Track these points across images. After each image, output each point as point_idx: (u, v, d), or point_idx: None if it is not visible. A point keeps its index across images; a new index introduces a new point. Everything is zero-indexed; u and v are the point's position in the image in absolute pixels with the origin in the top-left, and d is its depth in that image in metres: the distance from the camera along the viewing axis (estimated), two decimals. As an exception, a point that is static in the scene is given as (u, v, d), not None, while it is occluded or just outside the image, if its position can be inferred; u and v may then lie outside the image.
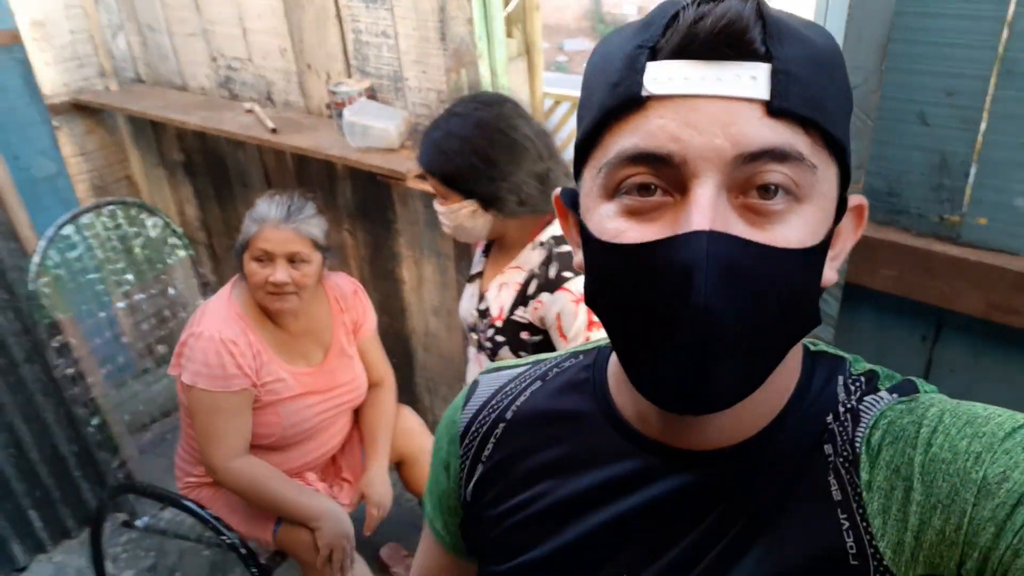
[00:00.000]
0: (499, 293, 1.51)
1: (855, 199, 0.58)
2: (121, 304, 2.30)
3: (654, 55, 0.50)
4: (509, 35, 2.60)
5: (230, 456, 1.75)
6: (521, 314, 1.44)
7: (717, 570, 0.58)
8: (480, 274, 1.62)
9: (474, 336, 1.61)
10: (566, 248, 1.42)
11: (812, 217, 0.51)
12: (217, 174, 2.82)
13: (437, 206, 1.49)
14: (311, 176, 2.49)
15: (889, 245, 1.36)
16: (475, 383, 0.77)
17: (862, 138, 1.21)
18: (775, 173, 0.49)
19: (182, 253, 2.30)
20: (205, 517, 1.81)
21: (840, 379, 0.61)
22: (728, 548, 0.58)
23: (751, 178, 0.49)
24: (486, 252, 1.64)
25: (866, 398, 0.59)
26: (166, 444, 2.63)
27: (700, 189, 0.48)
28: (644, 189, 0.51)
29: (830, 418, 0.59)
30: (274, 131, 2.24)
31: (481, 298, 1.56)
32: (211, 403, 1.72)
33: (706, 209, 0.48)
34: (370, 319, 2.02)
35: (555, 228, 1.48)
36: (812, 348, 0.65)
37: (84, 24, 2.73)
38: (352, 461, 2.05)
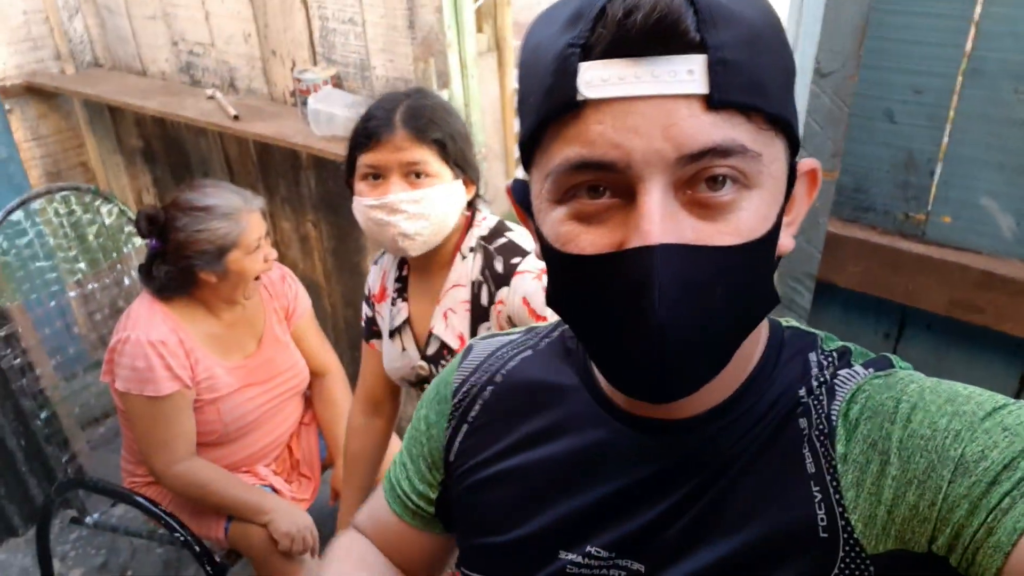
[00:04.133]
0: (448, 323, 1.34)
1: (806, 163, 0.58)
2: (73, 293, 2.22)
3: (586, 55, 0.48)
4: (479, 30, 2.58)
5: (172, 461, 1.71)
6: (487, 328, 1.32)
7: (688, 540, 0.58)
8: (405, 323, 1.42)
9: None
10: (500, 241, 1.32)
11: (762, 202, 0.51)
12: (177, 161, 2.75)
13: (398, 194, 1.24)
14: (274, 165, 2.43)
15: (855, 242, 1.37)
16: (469, 347, 0.78)
17: (838, 124, 1.21)
18: (720, 167, 0.48)
19: (139, 241, 2.23)
20: (158, 514, 1.75)
21: (812, 355, 0.61)
22: (699, 518, 0.58)
23: (698, 174, 0.49)
24: (402, 296, 1.44)
25: (840, 372, 0.59)
26: (120, 439, 2.55)
27: (647, 196, 0.48)
28: (593, 190, 0.51)
29: (803, 392, 0.59)
30: (236, 118, 2.18)
31: (427, 342, 1.38)
32: (147, 409, 1.67)
33: (654, 219, 0.48)
34: (302, 304, 1.98)
35: (478, 230, 1.35)
36: (784, 324, 0.65)
37: (39, 5, 2.64)
38: (309, 455, 2.01)
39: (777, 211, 0.52)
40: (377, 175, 1.26)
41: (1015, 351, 1.31)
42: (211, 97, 2.36)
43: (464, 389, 0.74)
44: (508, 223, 1.37)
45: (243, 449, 1.86)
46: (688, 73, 0.46)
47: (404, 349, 1.42)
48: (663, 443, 0.61)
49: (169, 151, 2.75)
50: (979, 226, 1.28)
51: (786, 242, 0.56)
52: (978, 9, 1.16)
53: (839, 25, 1.19)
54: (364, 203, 1.27)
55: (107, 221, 2.19)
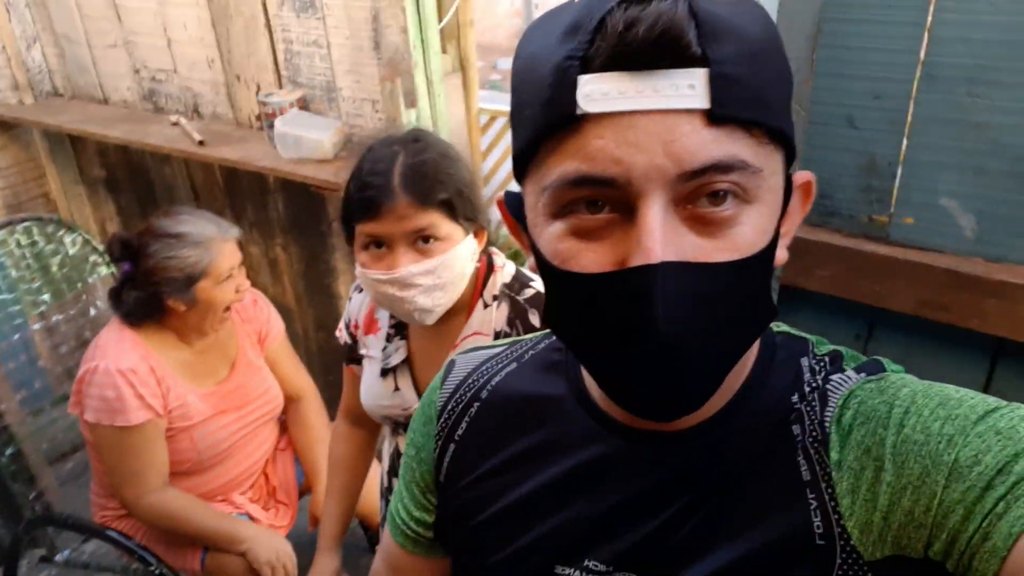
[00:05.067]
0: None
1: (801, 176, 0.58)
2: (37, 326, 2.18)
3: (585, 67, 0.47)
4: (443, 51, 2.60)
5: (144, 492, 1.67)
6: None
7: (686, 552, 0.58)
8: (404, 363, 1.32)
9: None
10: (528, 292, 1.27)
11: (761, 216, 0.50)
12: (142, 190, 2.72)
13: (408, 268, 1.13)
14: (241, 190, 2.41)
15: (822, 246, 1.39)
16: (452, 363, 0.77)
17: (797, 129, 1.23)
18: (722, 183, 0.48)
19: (104, 270, 2.20)
20: (131, 547, 1.71)
21: (804, 360, 0.61)
22: (697, 529, 0.58)
23: (698, 189, 0.48)
24: (400, 334, 1.33)
25: (832, 378, 0.59)
26: (89, 474, 2.49)
27: (648, 212, 0.47)
28: (592, 205, 0.50)
29: (796, 398, 0.58)
30: (202, 143, 2.17)
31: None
32: (117, 440, 1.63)
33: (656, 236, 0.47)
34: (275, 328, 1.95)
35: (500, 277, 1.28)
36: (775, 329, 0.64)
37: (-5, 35, 2.60)
38: (286, 481, 1.98)
39: (775, 224, 0.52)
40: (380, 243, 1.15)
41: (982, 347, 1.34)
42: (175, 123, 2.34)
43: (449, 408, 0.73)
44: (524, 271, 1.31)
45: (218, 477, 1.83)
46: (689, 87, 0.46)
47: (397, 389, 1.32)
48: (659, 455, 0.60)
49: (133, 180, 2.72)
50: (941, 226, 1.31)
51: (780, 254, 0.55)
52: (930, 17, 1.20)
53: (792, 32, 1.22)
54: (372, 277, 1.15)
55: (71, 251, 2.16)
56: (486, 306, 1.26)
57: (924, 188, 1.30)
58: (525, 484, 0.65)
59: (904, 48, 1.24)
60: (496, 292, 1.27)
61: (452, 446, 0.71)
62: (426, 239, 1.14)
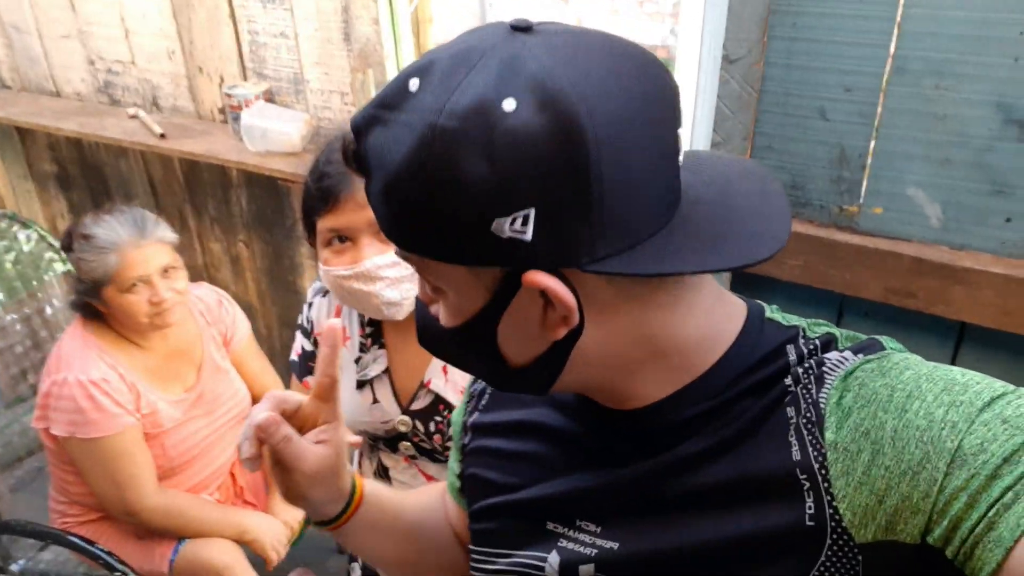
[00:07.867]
0: (449, 377, 1.20)
1: (531, 278, 0.51)
2: (-11, 325, 2.09)
3: None
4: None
5: (146, 495, 1.65)
6: None
7: (674, 524, 0.59)
8: (385, 372, 1.26)
9: (407, 444, 1.28)
10: None
11: (448, 304, 0.58)
12: (96, 186, 2.63)
13: (373, 259, 1.09)
14: (202, 185, 2.36)
15: (794, 236, 1.41)
16: None
17: (748, 109, 1.29)
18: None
19: (61, 267, 2.12)
20: (96, 552, 1.65)
21: (791, 347, 0.60)
22: (685, 504, 0.59)
23: None
24: (378, 343, 1.27)
25: (828, 357, 0.58)
26: (43, 479, 2.39)
27: None
28: None
29: (788, 380, 0.58)
30: (163, 136, 2.11)
31: (414, 396, 1.23)
32: (102, 450, 1.59)
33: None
34: (241, 329, 1.90)
35: None
36: (767, 315, 0.64)
37: (-62, 24, 2.50)
38: (253, 481, 1.95)
39: (470, 315, 0.56)
40: (344, 238, 1.11)
41: (946, 333, 1.39)
42: (134, 116, 2.27)
43: (478, 382, 0.82)
44: None
45: (187, 480, 1.79)
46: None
47: (376, 402, 1.26)
48: (630, 430, 0.62)
49: (87, 175, 2.63)
50: (908, 215, 1.36)
51: (512, 352, 0.57)
52: (900, 11, 1.24)
53: (744, 14, 1.28)
54: (335, 273, 1.11)
55: (25, 248, 2.08)
56: None
57: (892, 179, 1.34)
58: (529, 444, 0.71)
59: (875, 42, 1.27)
60: None
61: (476, 414, 0.79)
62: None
